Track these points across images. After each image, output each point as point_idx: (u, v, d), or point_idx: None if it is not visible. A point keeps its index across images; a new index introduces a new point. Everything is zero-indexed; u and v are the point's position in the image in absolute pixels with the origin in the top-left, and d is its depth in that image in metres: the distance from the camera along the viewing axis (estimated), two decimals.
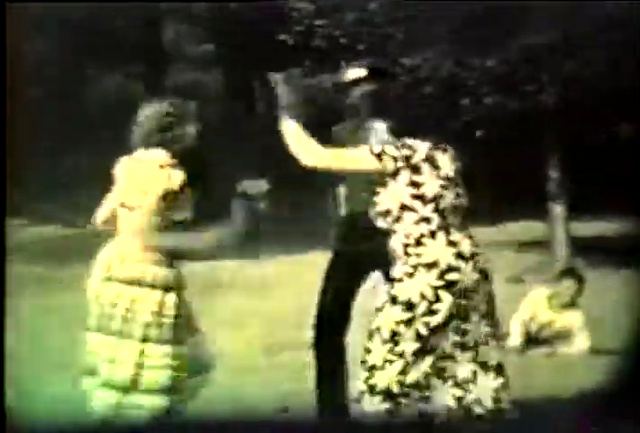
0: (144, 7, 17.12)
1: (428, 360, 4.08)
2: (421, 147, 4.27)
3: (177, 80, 21.76)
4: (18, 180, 18.72)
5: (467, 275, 4.11)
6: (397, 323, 4.09)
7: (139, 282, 4.27)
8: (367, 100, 4.56)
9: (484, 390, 4.12)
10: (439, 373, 4.10)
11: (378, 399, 4.08)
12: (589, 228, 14.96)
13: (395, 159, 4.20)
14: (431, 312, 4.06)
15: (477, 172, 18.16)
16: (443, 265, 4.10)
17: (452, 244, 4.13)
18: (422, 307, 4.06)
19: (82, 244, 15.90)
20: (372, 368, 4.12)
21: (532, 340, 7.57)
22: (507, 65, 12.41)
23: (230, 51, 19.24)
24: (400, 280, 4.13)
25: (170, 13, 18.67)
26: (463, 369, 4.12)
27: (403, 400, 4.07)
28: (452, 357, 4.11)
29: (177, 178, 4.32)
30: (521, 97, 12.34)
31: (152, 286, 4.26)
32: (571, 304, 7.62)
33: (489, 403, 4.11)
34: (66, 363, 5.88)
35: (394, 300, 4.11)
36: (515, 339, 7.51)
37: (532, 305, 7.69)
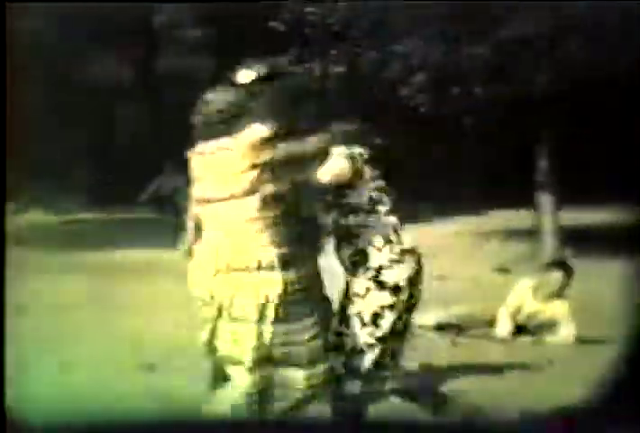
0: None
1: (400, 341, 4.46)
2: (361, 149, 4.59)
3: (166, 65, 21.77)
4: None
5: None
6: (382, 307, 4.35)
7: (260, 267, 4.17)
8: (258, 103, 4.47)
9: None
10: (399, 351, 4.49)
11: (358, 382, 4.38)
12: (577, 217, 15.00)
13: (360, 156, 4.54)
14: (411, 295, 4.39)
15: (465, 160, 18.26)
16: (419, 251, 4.49)
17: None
18: (406, 291, 4.36)
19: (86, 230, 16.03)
20: (352, 351, 4.38)
21: (519, 330, 7.60)
22: (497, 53, 12.40)
23: (219, 37, 19.21)
24: (389, 267, 4.37)
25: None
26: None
27: (379, 382, 4.40)
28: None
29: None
30: (511, 85, 12.34)
31: (272, 268, 4.16)
32: (559, 295, 7.64)
33: None
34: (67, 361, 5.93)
35: (382, 286, 4.35)
36: (503, 329, 7.54)
37: (519, 295, 7.72)
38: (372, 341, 4.37)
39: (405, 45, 12.63)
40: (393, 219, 4.53)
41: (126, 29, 19.04)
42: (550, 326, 7.58)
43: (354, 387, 4.37)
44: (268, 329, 4.13)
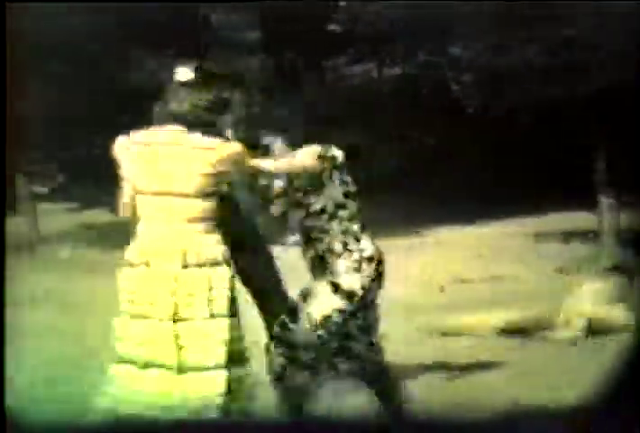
0: None
1: (335, 342, 4.65)
2: (337, 152, 4.71)
3: (223, 67, 21.92)
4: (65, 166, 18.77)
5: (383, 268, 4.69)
6: (334, 310, 4.59)
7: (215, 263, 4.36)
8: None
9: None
10: (343, 351, 4.66)
11: (300, 373, 4.66)
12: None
13: (332, 158, 4.64)
14: (362, 299, 4.60)
15: (522, 162, 18.05)
16: (377, 259, 4.62)
17: (372, 238, 4.68)
18: (358, 297, 4.60)
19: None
20: (292, 346, 4.66)
21: (584, 333, 7.58)
22: (548, 54, 12.38)
23: (276, 39, 19.30)
24: (346, 273, 4.58)
25: None
26: (360, 346, 4.69)
27: (317, 373, 4.67)
28: (355, 338, 4.66)
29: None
30: (565, 86, 12.31)
31: (226, 264, 4.38)
32: (621, 299, 7.60)
33: None
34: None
35: (337, 290, 4.59)
36: (568, 331, 7.52)
37: (582, 298, 7.70)
38: (315, 340, 4.61)
39: (457, 46, 12.68)
40: (355, 226, 4.62)
41: (178, 29, 19.12)
42: (611, 331, 7.53)
43: (297, 379, 4.63)
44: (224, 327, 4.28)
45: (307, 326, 4.62)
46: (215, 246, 4.38)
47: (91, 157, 20.55)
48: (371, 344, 4.71)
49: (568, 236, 14.66)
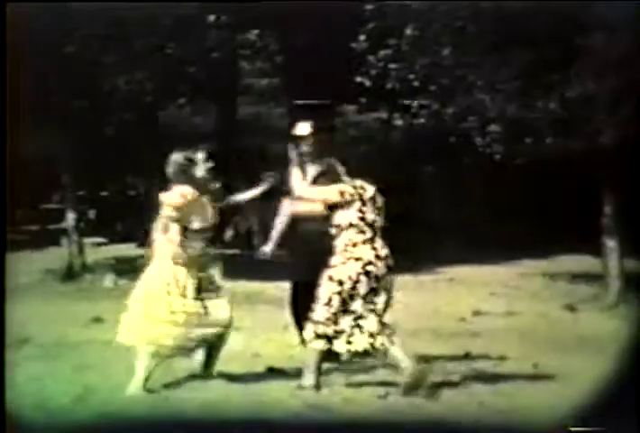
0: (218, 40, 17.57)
1: (349, 318, 6.26)
2: (369, 189, 6.49)
3: (245, 113, 22.82)
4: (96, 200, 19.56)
5: (379, 269, 6.34)
6: (333, 293, 6.28)
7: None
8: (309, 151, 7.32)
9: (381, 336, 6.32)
10: (357, 325, 6.26)
11: (321, 341, 6.27)
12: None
13: (352, 195, 6.42)
14: (353, 288, 6.26)
15: (533, 207, 18.89)
16: (365, 260, 6.30)
17: (374, 248, 6.38)
18: (347, 284, 6.27)
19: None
20: (317, 322, 6.31)
21: None
22: (567, 108, 13.25)
23: (300, 87, 20.09)
24: (335, 266, 6.34)
25: (244, 48, 19.43)
26: (371, 324, 6.28)
27: (335, 341, 6.27)
28: (364, 317, 6.27)
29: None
30: (580, 138, 13.15)
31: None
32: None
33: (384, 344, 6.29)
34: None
35: (331, 279, 6.33)
36: None
37: None
38: (327, 315, 6.28)
39: (481, 99, 13.58)
40: (352, 235, 6.36)
41: (206, 77, 19.70)
42: None
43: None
44: None
45: (321, 306, 6.43)
46: None
47: (120, 196, 21.53)
48: None
49: (575, 277, 15.48)
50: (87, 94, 15.56)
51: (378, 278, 6.31)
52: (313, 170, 7.30)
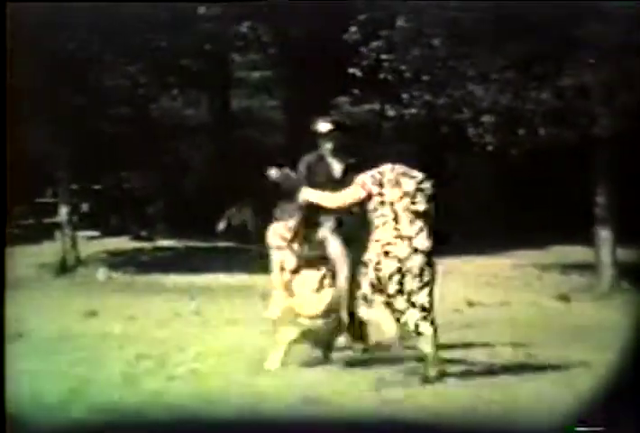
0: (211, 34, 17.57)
1: (380, 297, 6.33)
2: (388, 172, 6.47)
3: (240, 105, 22.82)
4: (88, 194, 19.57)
5: (401, 249, 6.33)
6: (361, 275, 6.45)
7: None
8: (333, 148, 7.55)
9: (411, 317, 6.40)
10: (388, 304, 6.34)
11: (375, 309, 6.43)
12: (634, 254, 15.67)
13: (373, 182, 6.44)
14: (376, 270, 6.33)
15: (525, 198, 18.91)
16: (383, 241, 6.32)
17: (396, 229, 6.37)
18: (371, 266, 6.34)
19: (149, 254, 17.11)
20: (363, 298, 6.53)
21: None
22: (561, 98, 13.28)
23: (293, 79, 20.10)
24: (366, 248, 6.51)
25: (239, 40, 19.40)
26: (400, 304, 6.33)
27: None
28: (394, 296, 6.33)
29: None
30: (574, 129, 13.19)
31: None
32: None
33: (412, 326, 6.39)
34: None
35: (360, 262, 6.52)
36: None
37: None
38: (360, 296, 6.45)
39: (474, 90, 13.60)
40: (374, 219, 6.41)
41: (203, 69, 19.69)
42: None
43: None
44: None
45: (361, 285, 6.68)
46: None
47: (114, 189, 21.52)
48: None
49: (568, 267, 15.55)
50: (81, 88, 15.58)
51: (400, 259, 6.28)
52: (339, 165, 7.57)
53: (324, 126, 7.58)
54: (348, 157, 7.57)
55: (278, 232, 7.34)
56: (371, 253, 6.36)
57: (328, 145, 7.55)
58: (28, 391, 5.72)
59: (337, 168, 7.58)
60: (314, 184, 7.28)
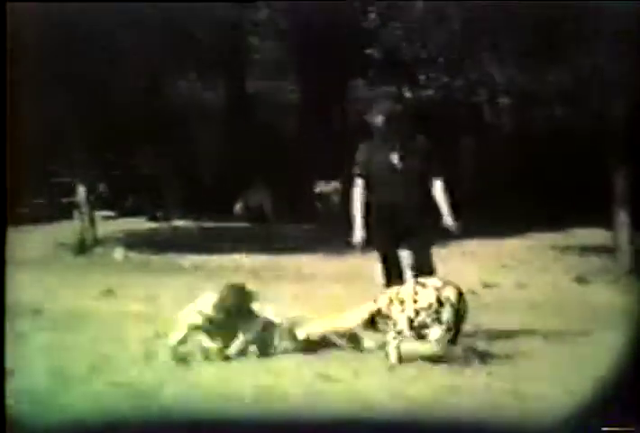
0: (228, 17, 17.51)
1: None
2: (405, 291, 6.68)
3: (257, 87, 22.79)
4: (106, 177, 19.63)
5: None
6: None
7: None
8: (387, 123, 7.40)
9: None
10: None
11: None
12: None
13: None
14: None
15: (543, 180, 18.76)
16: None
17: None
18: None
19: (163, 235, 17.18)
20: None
21: None
22: (577, 80, 13.23)
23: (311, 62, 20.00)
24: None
25: (255, 24, 19.38)
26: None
27: None
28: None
29: None
30: (591, 110, 13.15)
31: None
32: None
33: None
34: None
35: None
36: None
37: None
38: None
39: (491, 71, 13.57)
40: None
41: (217, 52, 19.62)
42: None
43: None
44: None
45: None
46: None
47: (130, 170, 21.58)
48: None
49: (585, 250, 15.52)
50: (103, 72, 15.58)
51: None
52: (395, 153, 7.44)
53: (379, 118, 7.45)
54: (402, 144, 7.46)
55: None
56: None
57: (384, 134, 7.44)
58: (43, 366, 5.77)
59: (394, 156, 7.47)
60: (372, 172, 7.37)
